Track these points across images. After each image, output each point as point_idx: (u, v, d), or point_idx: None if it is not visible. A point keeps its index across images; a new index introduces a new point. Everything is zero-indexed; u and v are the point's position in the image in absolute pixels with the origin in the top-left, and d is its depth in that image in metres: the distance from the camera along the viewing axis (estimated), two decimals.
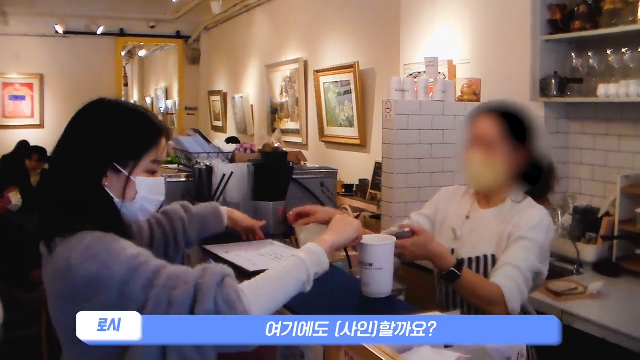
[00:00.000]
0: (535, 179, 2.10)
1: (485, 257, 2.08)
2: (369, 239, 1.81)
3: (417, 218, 2.36)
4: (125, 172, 1.53)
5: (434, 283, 2.39)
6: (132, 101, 12.34)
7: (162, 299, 1.33)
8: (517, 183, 2.11)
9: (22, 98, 10.41)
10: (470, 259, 2.10)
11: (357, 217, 3.55)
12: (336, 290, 1.81)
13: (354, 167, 5.69)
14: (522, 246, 1.99)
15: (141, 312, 1.31)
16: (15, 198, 4.40)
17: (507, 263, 1.96)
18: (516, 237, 2.01)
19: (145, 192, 1.56)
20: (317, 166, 3.38)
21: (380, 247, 1.77)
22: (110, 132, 1.53)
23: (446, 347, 1.31)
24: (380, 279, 1.76)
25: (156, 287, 1.35)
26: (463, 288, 1.96)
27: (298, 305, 1.63)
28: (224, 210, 2.23)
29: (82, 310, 1.37)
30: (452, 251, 2.16)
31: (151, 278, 1.36)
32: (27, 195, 5.12)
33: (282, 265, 1.50)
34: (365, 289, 1.78)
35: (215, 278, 1.35)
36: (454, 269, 1.94)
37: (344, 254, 2.85)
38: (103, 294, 1.37)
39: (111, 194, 1.52)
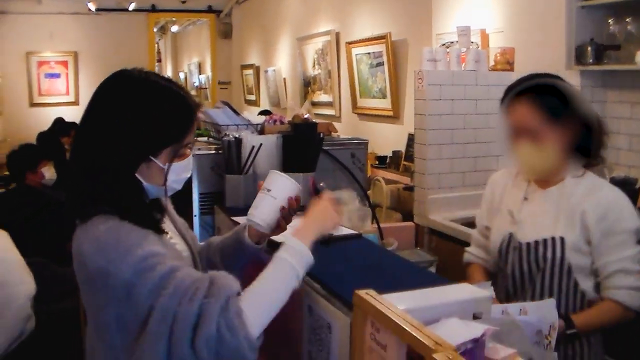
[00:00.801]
0: (587, 147, 1.96)
1: (553, 239, 1.94)
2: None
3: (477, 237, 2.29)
4: (159, 163, 1.49)
5: (464, 254, 2.35)
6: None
7: (168, 311, 1.31)
8: (572, 156, 1.97)
9: (57, 76, 10.53)
10: (536, 242, 1.96)
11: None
12: (367, 263, 1.79)
13: (387, 139, 5.64)
14: (617, 243, 1.88)
15: (147, 317, 1.33)
16: (48, 172, 4.45)
17: (614, 272, 1.88)
18: (605, 232, 1.89)
19: (175, 175, 1.53)
20: (348, 137, 3.35)
21: (284, 179, 1.73)
22: (150, 122, 1.46)
23: (474, 318, 1.28)
24: (269, 207, 1.69)
25: (163, 296, 1.33)
26: (587, 332, 1.92)
27: (330, 279, 1.61)
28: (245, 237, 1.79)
29: (96, 296, 1.40)
30: (510, 235, 2.04)
31: (158, 285, 1.34)
32: (61, 170, 5.18)
33: (274, 275, 1.44)
34: (251, 211, 1.70)
35: (219, 302, 1.31)
36: (569, 331, 1.85)
37: (376, 225, 2.84)
38: (111, 289, 1.37)
39: (140, 179, 1.49)
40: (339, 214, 1.63)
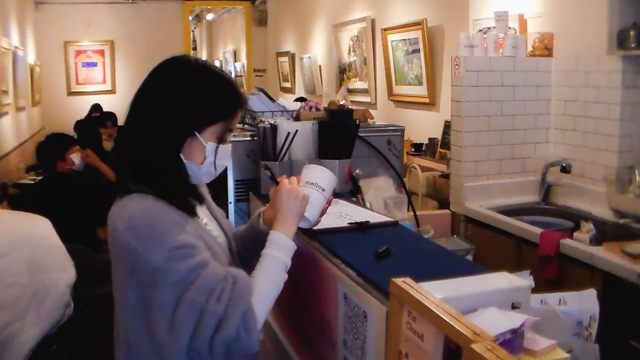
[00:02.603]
0: None
1: None
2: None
3: None
4: (202, 139, 1.53)
5: (503, 242, 2.32)
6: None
7: (196, 305, 1.38)
8: None
9: (94, 65, 10.68)
10: None
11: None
12: (403, 251, 1.77)
13: (423, 126, 5.60)
14: None
15: (172, 307, 1.38)
16: (77, 158, 4.50)
17: None
18: None
19: (213, 157, 1.56)
20: (384, 124, 3.33)
21: (332, 175, 1.76)
22: (198, 97, 1.52)
23: (513, 308, 1.26)
24: (320, 205, 1.73)
25: (190, 290, 1.39)
26: None
27: (365, 267, 1.61)
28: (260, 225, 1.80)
29: (122, 274, 1.42)
30: None
31: (185, 277, 1.39)
32: (102, 157, 5.25)
33: (270, 274, 1.54)
34: (307, 209, 1.69)
35: (242, 308, 1.41)
36: None
37: (412, 213, 2.81)
38: (137, 270, 1.40)
39: (182, 158, 1.53)
40: (300, 191, 1.66)
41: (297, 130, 2.74)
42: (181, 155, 1.53)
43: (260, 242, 1.66)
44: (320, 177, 1.74)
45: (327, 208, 1.77)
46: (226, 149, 1.61)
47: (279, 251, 1.56)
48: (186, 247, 1.41)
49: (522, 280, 1.32)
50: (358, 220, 2.03)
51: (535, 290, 1.36)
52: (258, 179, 2.79)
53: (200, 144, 1.54)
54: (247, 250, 1.78)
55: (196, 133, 1.52)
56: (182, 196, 1.53)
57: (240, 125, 3.27)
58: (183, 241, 1.41)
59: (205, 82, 1.54)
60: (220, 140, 1.57)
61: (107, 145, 6.68)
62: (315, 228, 1.91)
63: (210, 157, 1.56)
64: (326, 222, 2.00)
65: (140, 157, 1.51)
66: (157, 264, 1.37)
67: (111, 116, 7.25)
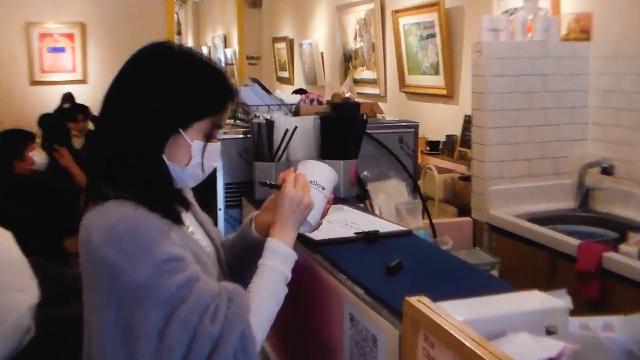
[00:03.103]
0: None
1: None
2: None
3: None
4: (187, 137, 1.53)
5: (534, 256, 2.30)
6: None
7: (188, 325, 1.38)
8: None
9: (62, 50, 10.44)
10: None
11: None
12: (418, 265, 1.77)
13: (440, 122, 5.59)
14: None
15: (159, 329, 1.37)
16: (38, 156, 4.44)
17: None
18: None
19: (200, 158, 1.57)
20: (395, 119, 3.32)
21: (332, 172, 1.76)
22: (182, 89, 1.52)
23: (548, 333, 1.25)
24: (322, 206, 1.74)
25: (182, 308, 1.38)
26: None
27: (375, 283, 1.61)
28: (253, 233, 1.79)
29: (97, 293, 1.42)
30: None
31: (175, 294, 1.38)
32: (74, 156, 5.22)
33: (268, 288, 1.55)
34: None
35: (239, 328, 1.42)
36: None
37: (428, 221, 2.81)
38: (118, 288, 1.38)
39: (165, 159, 1.53)
40: (305, 198, 1.66)
41: (296, 127, 2.74)
42: (164, 156, 1.52)
43: (253, 252, 1.66)
44: (319, 173, 1.74)
45: (328, 209, 1.78)
46: (215, 147, 1.60)
47: (277, 261, 1.57)
48: (175, 260, 1.40)
49: (558, 301, 1.30)
50: (366, 230, 2.02)
51: (573, 312, 1.34)
52: (252, 182, 2.79)
53: (185, 143, 1.53)
54: (237, 261, 1.78)
55: (180, 130, 1.52)
56: (166, 202, 1.53)
57: (232, 121, 3.27)
58: (171, 253, 1.40)
59: (190, 72, 1.54)
60: (208, 138, 1.57)
61: (78, 142, 6.64)
62: (317, 239, 1.90)
63: (197, 157, 1.55)
64: (330, 232, 1.99)
65: (117, 157, 1.50)
66: (143, 280, 1.36)
67: (82, 109, 7.22)
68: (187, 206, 1.66)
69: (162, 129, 1.51)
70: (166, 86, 1.51)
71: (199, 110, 1.54)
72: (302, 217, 1.65)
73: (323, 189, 1.73)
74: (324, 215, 1.77)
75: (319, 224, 1.77)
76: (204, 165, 1.59)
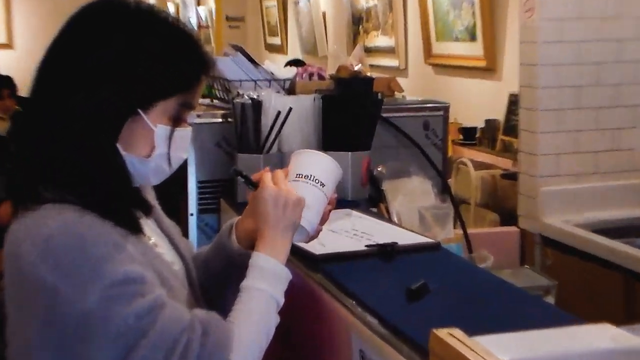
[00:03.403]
0: None
1: None
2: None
3: None
4: (148, 120, 1.52)
5: (602, 277, 2.31)
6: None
7: None
8: None
9: None
10: None
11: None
12: (448, 288, 1.77)
13: (477, 102, 5.60)
14: None
15: None
16: None
17: None
18: None
19: (166, 147, 1.55)
20: (418, 99, 3.32)
21: (334, 164, 1.77)
22: (140, 59, 1.51)
23: None
24: (320, 206, 1.73)
25: (141, 346, 1.37)
26: None
27: (393, 312, 1.60)
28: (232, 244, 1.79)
29: (27, 323, 1.41)
30: None
31: (133, 327, 1.37)
32: None
33: (253, 317, 1.55)
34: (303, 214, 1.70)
35: None
36: None
37: (461, 231, 2.81)
38: (56, 320, 1.37)
39: (119, 148, 1.51)
40: (291, 193, 1.66)
41: (290, 109, 2.74)
42: (118, 144, 1.51)
43: (234, 269, 1.66)
44: (317, 166, 1.74)
45: (329, 211, 1.78)
46: (184, 134, 1.59)
47: (266, 282, 1.56)
48: (132, 282, 1.39)
49: (636, 339, 1.30)
50: (380, 242, 2.02)
51: None
52: (233, 181, 2.79)
53: (146, 128, 1.52)
54: (214, 282, 1.78)
55: (140, 111, 1.50)
56: (121, 205, 1.52)
57: (207, 101, 3.27)
58: (127, 273, 1.39)
59: (152, 36, 1.53)
60: (176, 121, 1.56)
61: (2, 126, 6.59)
62: (317, 253, 1.90)
63: (161, 146, 1.54)
64: (334, 244, 2.00)
65: (56, 147, 1.48)
66: (90, 309, 1.34)
67: (7, 81, 7.18)
68: (148, 210, 1.63)
69: (116, 110, 1.49)
70: (120, 54, 1.50)
71: (163, 85, 1.53)
72: (293, 220, 1.64)
73: (322, 185, 1.71)
74: (324, 219, 1.76)
75: (318, 230, 1.76)
76: (170, 157, 1.57)
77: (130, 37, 1.51)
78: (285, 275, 1.60)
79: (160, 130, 1.53)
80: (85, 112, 1.47)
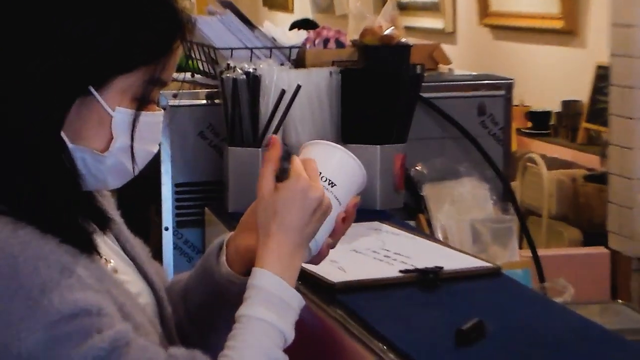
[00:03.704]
0: None
1: None
2: None
3: None
4: (102, 101, 1.52)
5: None
6: None
7: None
8: None
9: None
10: None
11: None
12: (511, 328, 1.79)
13: (551, 78, 5.60)
14: None
15: None
16: None
17: None
18: None
19: (128, 138, 1.55)
20: (471, 74, 3.34)
21: (354, 163, 1.74)
22: (92, 16, 1.50)
23: None
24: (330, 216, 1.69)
25: None
26: None
27: None
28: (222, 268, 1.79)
29: None
30: None
31: None
32: None
33: (256, 352, 1.52)
34: None
35: None
36: None
37: (529, 252, 2.81)
38: None
39: (65, 139, 1.51)
40: (323, 194, 1.64)
41: (298, 86, 2.75)
42: (63, 134, 1.51)
43: (224, 302, 1.66)
44: (327, 160, 1.72)
45: (345, 228, 1.74)
46: (153, 120, 1.60)
47: (271, 309, 1.53)
48: (85, 315, 1.39)
49: None
50: (420, 266, 2.04)
51: None
52: (222, 182, 2.81)
53: (101, 113, 1.52)
54: (195, 319, 1.79)
55: (91, 89, 1.51)
56: (69, 216, 1.52)
57: (187, 76, 3.29)
58: (78, 303, 1.39)
59: None
60: (142, 102, 1.56)
61: None
62: (335, 280, 1.92)
63: (122, 136, 1.54)
64: (357, 268, 2.03)
65: None
66: (29, 354, 1.36)
67: None
68: (104, 223, 1.64)
69: (60, 88, 1.49)
70: (66, 12, 1.50)
71: (121, 55, 1.52)
72: (314, 232, 1.63)
73: (332, 184, 1.70)
74: (337, 233, 1.73)
75: (328, 246, 1.73)
76: (134, 151, 1.57)
77: (80, 9, 1.50)
78: (297, 302, 1.57)
79: (120, 115, 1.53)
80: (13, 90, 1.47)
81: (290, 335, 1.54)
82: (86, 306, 1.39)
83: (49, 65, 1.46)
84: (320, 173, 1.68)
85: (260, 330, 1.51)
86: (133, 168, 1.58)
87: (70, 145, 1.51)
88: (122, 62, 1.51)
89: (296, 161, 1.63)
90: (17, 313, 1.36)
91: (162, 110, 1.62)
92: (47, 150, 1.49)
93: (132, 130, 1.54)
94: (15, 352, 1.35)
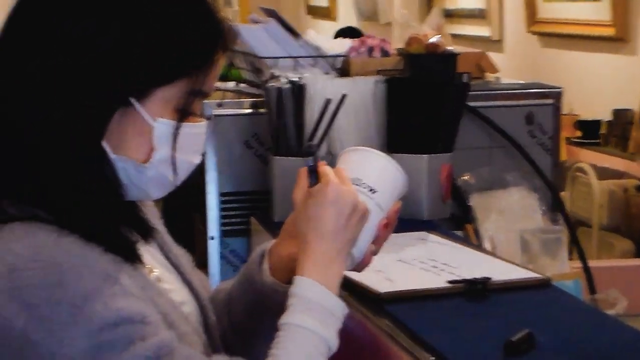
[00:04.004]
0: None
1: None
2: None
3: None
4: (144, 112, 1.52)
5: None
6: None
7: None
8: None
9: None
10: None
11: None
12: (562, 340, 1.79)
13: (601, 87, 5.58)
14: None
15: None
16: None
17: None
18: None
19: (169, 148, 1.56)
20: (519, 82, 3.33)
21: (395, 169, 1.74)
22: (135, 26, 1.51)
23: None
24: (372, 223, 1.69)
25: None
26: None
27: None
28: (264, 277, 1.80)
29: None
30: None
31: None
32: None
33: (296, 356, 1.52)
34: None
35: None
36: None
37: (580, 263, 2.81)
38: None
39: (107, 149, 1.52)
40: (358, 198, 1.64)
41: (344, 96, 2.76)
42: (105, 143, 1.51)
43: (267, 311, 1.66)
44: (367, 166, 1.73)
45: (387, 234, 1.74)
46: (196, 131, 1.60)
47: (314, 318, 1.53)
48: (128, 322, 1.39)
49: None
50: (468, 276, 2.05)
51: None
52: (267, 192, 2.83)
53: (142, 123, 1.52)
54: (239, 328, 1.80)
55: (133, 101, 1.51)
56: (112, 226, 1.53)
57: (231, 85, 3.30)
58: (122, 311, 1.40)
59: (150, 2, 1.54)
60: (184, 114, 1.56)
61: None
62: (382, 291, 1.92)
63: (163, 147, 1.55)
64: (405, 279, 2.04)
65: (22, 148, 1.49)
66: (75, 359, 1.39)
67: None
68: (147, 233, 1.64)
69: (101, 99, 1.50)
70: (107, 22, 1.50)
71: (163, 66, 1.53)
72: (354, 238, 1.63)
73: (372, 191, 1.70)
74: (380, 240, 1.73)
75: (372, 253, 1.73)
76: (176, 162, 1.57)
77: (123, 20, 1.50)
78: (341, 310, 1.57)
79: (161, 126, 1.53)
80: (57, 100, 1.48)
81: (334, 343, 1.54)
82: (130, 314, 1.40)
83: (91, 77, 1.47)
84: (361, 179, 1.69)
85: (302, 338, 1.51)
86: (175, 179, 1.59)
87: (112, 155, 1.51)
88: (163, 73, 1.52)
89: (324, 166, 1.64)
90: (62, 321, 1.36)
91: (205, 121, 1.62)
92: (89, 160, 1.49)
93: (174, 142, 1.54)
94: (57, 354, 1.36)
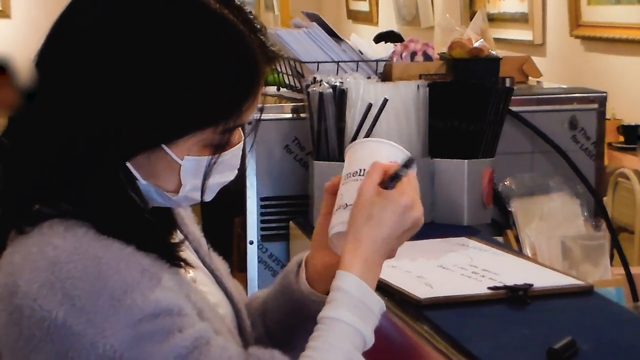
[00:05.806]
0: None
1: None
2: None
3: None
4: (173, 155, 1.53)
5: None
6: None
7: None
8: None
9: None
10: None
11: None
12: (608, 346, 1.78)
13: None
14: None
15: None
16: None
17: None
18: None
19: (199, 180, 1.56)
20: (562, 87, 3.31)
21: (387, 146, 1.76)
22: (167, 79, 1.49)
23: None
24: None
25: None
26: None
27: None
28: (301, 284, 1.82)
29: None
30: None
31: None
32: None
33: (336, 353, 1.53)
34: (333, 222, 1.68)
35: None
36: None
37: (622, 270, 2.79)
38: None
39: (135, 174, 1.54)
40: (420, 220, 1.63)
41: (386, 100, 2.76)
42: (131, 167, 1.53)
43: (304, 319, 1.67)
44: (365, 156, 1.72)
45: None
46: (229, 156, 1.60)
47: (354, 312, 1.55)
48: (167, 314, 1.42)
49: None
50: (509, 283, 2.04)
51: None
52: (307, 197, 2.84)
53: (170, 159, 1.54)
54: (274, 336, 1.80)
55: (164, 147, 1.52)
56: (144, 225, 1.55)
57: (273, 89, 3.29)
58: (160, 303, 1.42)
59: (188, 46, 1.50)
60: (217, 149, 1.56)
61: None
62: (422, 297, 1.92)
63: (192, 181, 1.56)
64: (445, 284, 2.04)
65: (55, 162, 1.50)
66: (115, 350, 1.39)
67: (2, 65, 7.27)
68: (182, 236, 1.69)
69: (131, 143, 1.50)
70: (136, 77, 1.49)
71: (196, 116, 1.52)
72: (399, 246, 1.64)
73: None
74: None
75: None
76: (205, 188, 1.58)
77: (152, 52, 1.49)
78: (379, 307, 1.58)
79: (189, 163, 1.54)
80: (86, 133, 1.49)
81: (370, 339, 1.56)
82: (168, 306, 1.43)
83: (120, 120, 1.48)
84: (364, 169, 1.69)
85: (342, 333, 1.53)
86: (204, 198, 1.59)
87: (143, 182, 1.54)
88: (195, 124, 1.52)
89: (409, 177, 1.64)
90: (102, 312, 1.39)
91: (241, 142, 1.61)
92: (115, 183, 1.51)
93: (206, 173, 1.55)
94: (100, 350, 1.38)
